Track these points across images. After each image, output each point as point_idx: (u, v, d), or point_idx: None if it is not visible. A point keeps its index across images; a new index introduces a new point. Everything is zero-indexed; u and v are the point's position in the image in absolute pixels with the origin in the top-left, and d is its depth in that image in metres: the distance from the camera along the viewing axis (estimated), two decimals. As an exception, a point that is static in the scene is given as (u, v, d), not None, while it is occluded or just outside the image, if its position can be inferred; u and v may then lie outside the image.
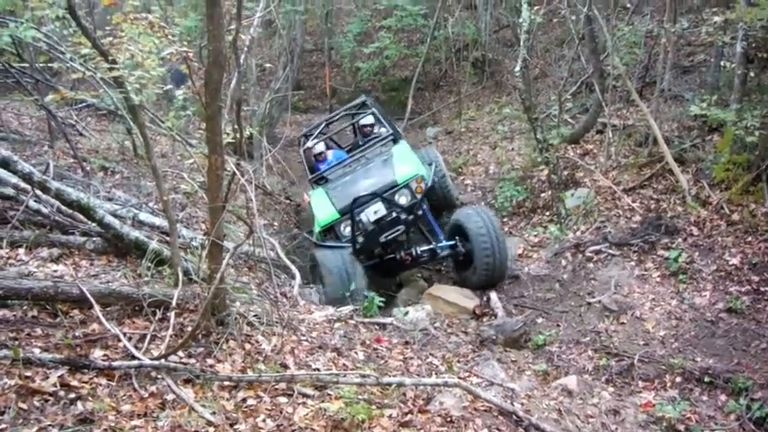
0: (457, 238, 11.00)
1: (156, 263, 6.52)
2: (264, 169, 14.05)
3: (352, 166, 12.09)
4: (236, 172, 5.30)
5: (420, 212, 11.08)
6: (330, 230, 11.09)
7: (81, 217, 6.99)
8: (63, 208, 7.04)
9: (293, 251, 11.67)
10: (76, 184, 8.45)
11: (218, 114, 5.11)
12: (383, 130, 12.92)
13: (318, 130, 13.76)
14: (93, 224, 6.85)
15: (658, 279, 9.86)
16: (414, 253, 10.89)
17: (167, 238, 6.87)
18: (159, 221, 7.96)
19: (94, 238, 6.97)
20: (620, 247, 10.77)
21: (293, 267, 9.18)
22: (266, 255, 8.38)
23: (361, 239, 10.55)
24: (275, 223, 12.58)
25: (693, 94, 13.32)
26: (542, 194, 13.24)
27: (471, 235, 10.59)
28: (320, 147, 12.97)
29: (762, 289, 9.11)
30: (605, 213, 11.93)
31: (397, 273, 11.68)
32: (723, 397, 7.71)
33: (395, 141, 12.46)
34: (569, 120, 15.70)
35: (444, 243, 11.05)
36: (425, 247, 11.01)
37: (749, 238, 9.91)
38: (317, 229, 11.19)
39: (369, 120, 13.22)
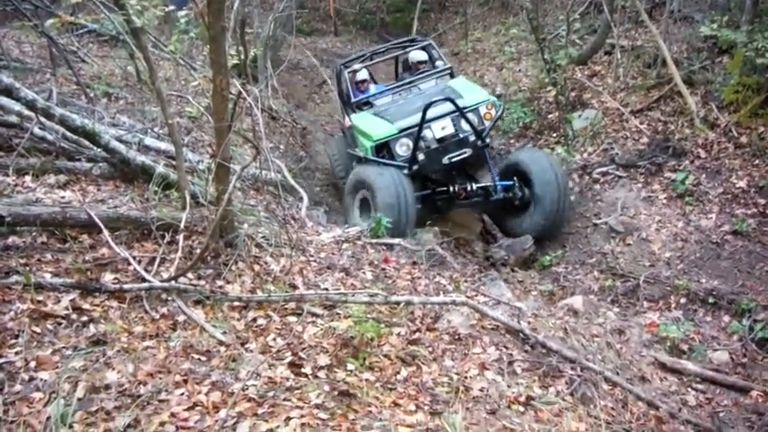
0: (515, 179, 10.13)
1: (164, 187, 6.53)
2: (270, 92, 13.93)
3: (403, 95, 11.01)
4: (242, 92, 5.27)
5: (488, 141, 10.10)
6: (383, 149, 9.90)
7: (86, 143, 6.96)
8: (68, 134, 6.98)
9: (300, 174, 11.60)
10: (80, 110, 8.37)
11: (221, 35, 5.05)
12: (439, 63, 11.88)
13: (362, 59, 12.53)
14: (99, 150, 6.82)
15: (665, 201, 9.86)
16: (468, 188, 9.92)
17: (174, 162, 6.86)
18: (165, 146, 7.94)
19: (101, 164, 6.94)
20: (627, 168, 10.75)
21: (300, 189, 9.18)
22: (273, 177, 8.39)
23: (422, 157, 9.59)
24: (281, 146, 12.53)
25: (704, 15, 13.11)
26: (549, 116, 13.16)
27: (535, 179, 9.76)
28: (364, 74, 11.97)
29: (767, 212, 9.12)
30: (613, 135, 11.88)
31: (444, 209, 10.40)
32: (726, 318, 7.77)
33: (451, 76, 11.45)
34: (577, 41, 15.52)
35: (501, 183, 10.10)
36: (482, 184, 10.08)
37: (756, 161, 9.88)
38: (368, 146, 9.94)
39: (421, 56, 12.02)
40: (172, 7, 9.78)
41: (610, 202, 10.12)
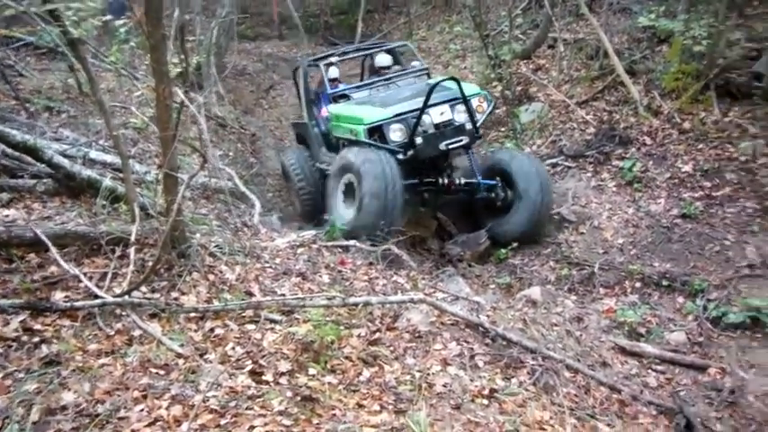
0: (498, 179, 9.89)
1: (112, 200, 6.40)
2: (215, 99, 13.83)
3: (381, 90, 10.82)
4: (185, 100, 5.20)
5: (480, 135, 10.03)
6: (374, 134, 9.46)
7: (29, 159, 6.84)
8: (9, 151, 6.86)
9: (251, 180, 11.51)
10: (21, 126, 8.21)
11: (161, 43, 4.99)
12: (416, 63, 11.70)
13: (333, 56, 11.93)
14: (43, 165, 6.71)
15: (614, 189, 9.99)
16: (457, 182, 9.78)
17: (121, 175, 6.77)
18: (111, 158, 7.83)
19: (45, 180, 6.80)
20: (576, 159, 10.90)
21: (252, 196, 9.11)
22: (223, 184, 8.32)
23: (419, 141, 9.27)
24: (231, 153, 12.44)
25: (642, 6, 13.32)
26: (497, 111, 13.23)
27: (519, 181, 9.54)
28: (337, 72, 11.68)
29: (714, 194, 9.26)
30: (560, 127, 12.01)
31: (430, 202, 10.29)
32: (681, 299, 7.88)
33: (428, 77, 11.21)
34: (520, 36, 15.67)
35: (485, 181, 9.87)
36: (469, 179, 9.89)
37: (700, 146, 10.05)
38: (360, 130, 9.45)
39: (385, 60, 11.77)
40: (110, 17, 9.66)
41: (561, 193, 10.20)
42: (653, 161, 10.15)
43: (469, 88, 10.04)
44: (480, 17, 12.52)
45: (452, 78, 9.29)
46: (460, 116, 9.52)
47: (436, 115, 9.38)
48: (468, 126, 9.52)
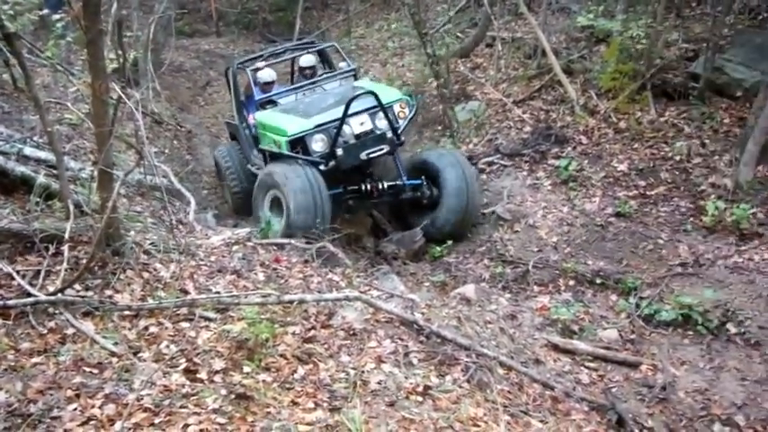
0: (423, 178, 10.03)
1: (45, 197, 6.30)
2: (152, 95, 13.68)
3: (307, 94, 10.71)
4: (122, 96, 5.16)
5: (402, 140, 9.95)
6: (297, 145, 9.50)
7: (-40, 155, 6.74)
8: (-61, 147, 6.76)
9: (186, 177, 11.40)
10: (-48, 121, 8.09)
11: (99, 38, 4.95)
12: (343, 64, 11.56)
13: (261, 59, 11.85)
14: (-25, 162, 6.61)
15: (550, 187, 10.12)
16: (380, 187, 9.77)
17: (55, 172, 6.67)
18: (45, 155, 7.70)
19: (-23, 177, 6.73)
20: (512, 157, 10.99)
21: (187, 193, 9.04)
22: (159, 182, 8.24)
23: (340, 152, 9.30)
24: (166, 150, 12.31)
25: (580, 6, 13.52)
26: (434, 109, 13.30)
27: (444, 178, 9.72)
28: (270, 74, 11.34)
29: (648, 193, 9.46)
30: (497, 125, 12.12)
31: (355, 208, 10.25)
32: (614, 297, 8.02)
33: (355, 78, 11.25)
34: (459, 34, 15.79)
35: (410, 182, 9.98)
36: (392, 183, 9.90)
37: (635, 145, 10.26)
38: (282, 141, 9.48)
39: (309, 60, 11.71)
40: (46, 11, 9.49)
41: (496, 191, 10.31)
42: (588, 160, 10.30)
43: (390, 94, 10.24)
44: (419, 15, 12.53)
45: (370, 92, 9.33)
46: (381, 123, 9.59)
47: (356, 125, 9.46)
48: (389, 134, 9.57)
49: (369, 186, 9.76)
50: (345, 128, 9.32)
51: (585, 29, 12.55)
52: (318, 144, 9.45)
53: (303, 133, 9.44)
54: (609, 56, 11.51)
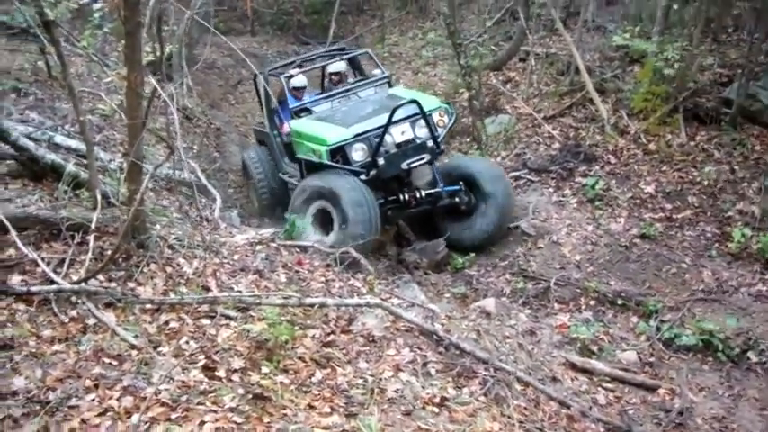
0: (461, 183, 9.86)
1: (74, 186, 6.38)
2: (185, 90, 13.74)
3: (342, 102, 10.53)
4: (158, 89, 5.18)
5: (441, 149, 9.85)
6: (336, 155, 9.34)
7: (-7, 140, 6.81)
8: (-27, 131, 6.83)
9: (213, 175, 11.43)
10: (-13, 106, 8.17)
11: (137, 30, 4.97)
12: (377, 72, 11.46)
13: (293, 66, 11.71)
14: (7, 147, 6.66)
15: (575, 205, 10.09)
16: (418, 196, 9.59)
17: (84, 161, 6.73)
18: (76, 144, 7.78)
19: (8, 162, 6.78)
20: (540, 173, 10.99)
21: (214, 191, 9.08)
22: (187, 177, 8.28)
23: (381, 162, 9.16)
24: (195, 147, 12.36)
25: (616, 26, 13.51)
26: (464, 120, 13.27)
27: (481, 183, 9.64)
28: (302, 80, 11.19)
29: (674, 216, 9.41)
30: (525, 140, 12.11)
31: (393, 218, 10.04)
32: (635, 319, 8.00)
33: (389, 85, 11.02)
34: (493, 47, 15.75)
35: (448, 188, 9.79)
36: (431, 190, 9.69)
37: (664, 168, 10.21)
38: (322, 150, 9.25)
39: (338, 67, 11.54)
40: (86, 0, 9.55)
41: (522, 206, 10.25)
42: (616, 180, 10.26)
43: (430, 102, 10.01)
44: (454, 25, 12.53)
45: (413, 101, 9.18)
46: (421, 132, 9.46)
47: (398, 134, 9.34)
48: (430, 143, 9.45)
49: (407, 196, 9.58)
50: (386, 137, 9.16)
51: (620, 48, 12.52)
52: (359, 153, 9.30)
53: (343, 142, 9.29)
54: (642, 77, 11.46)
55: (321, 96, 10.88)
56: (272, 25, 23.72)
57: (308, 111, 10.40)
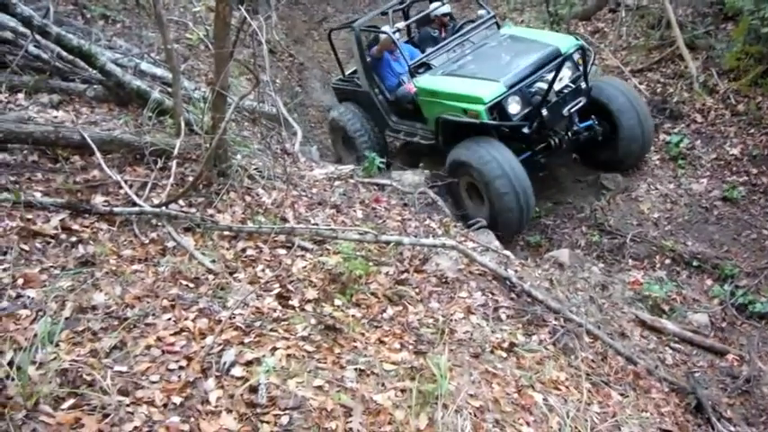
0: (592, 117, 9.30)
1: (158, 113, 6.48)
2: (273, 24, 13.77)
3: (458, 51, 9.69)
4: (248, 18, 5.20)
5: (591, 88, 9.17)
6: (493, 112, 8.51)
7: (82, 64, 6.93)
8: (63, 54, 6.94)
9: (294, 109, 11.46)
10: (77, 31, 8.28)
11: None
12: (482, 12, 10.53)
13: (389, 26, 10.35)
14: (95, 71, 6.79)
15: (658, 162, 9.88)
16: (566, 137, 9.04)
17: (169, 89, 6.82)
18: (161, 72, 7.88)
19: (95, 86, 6.91)
20: (623, 127, 10.76)
21: (295, 125, 9.13)
22: (269, 110, 8.33)
23: (545, 113, 8.57)
24: (278, 80, 12.42)
25: (712, -20, 13.06)
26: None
27: (613, 108, 9.18)
28: (447, 8, 10.65)
29: (758, 181, 9.15)
30: (611, 93, 11.85)
31: (541, 166, 9.25)
32: (709, 281, 7.85)
33: (498, 26, 10.26)
34: (583, -5, 15.41)
35: (583, 125, 9.24)
36: (575, 128, 9.14)
37: (752, 130, 9.90)
38: (480, 110, 8.41)
39: (447, 8, 10.80)
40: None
41: (603, 159, 10.08)
42: (701, 140, 10.01)
43: (567, 42, 9.30)
44: (544, -29, 12.30)
45: (580, 48, 8.85)
46: (573, 75, 8.98)
47: (557, 81, 8.68)
48: (583, 85, 8.98)
49: (557, 140, 9.00)
50: (542, 85, 8.57)
51: (714, 4, 12.12)
52: (515, 107, 8.58)
53: (500, 97, 8.48)
54: (736, 35, 11.08)
55: (435, 48, 9.93)
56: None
57: (425, 65, 9.62)
